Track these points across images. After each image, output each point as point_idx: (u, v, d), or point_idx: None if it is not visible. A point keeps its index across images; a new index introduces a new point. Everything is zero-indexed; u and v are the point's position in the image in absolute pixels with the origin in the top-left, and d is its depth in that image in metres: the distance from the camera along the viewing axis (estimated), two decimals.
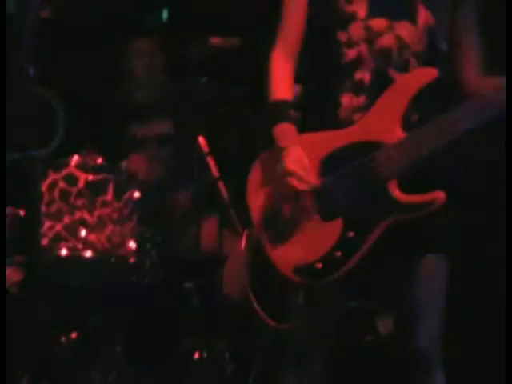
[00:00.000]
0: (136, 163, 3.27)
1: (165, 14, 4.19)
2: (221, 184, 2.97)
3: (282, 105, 2.06)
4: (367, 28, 1.98)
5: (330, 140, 2.01)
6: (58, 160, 2.89)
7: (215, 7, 3.99)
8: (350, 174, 1.97)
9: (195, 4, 4.02)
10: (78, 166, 2.80)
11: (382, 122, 1.94)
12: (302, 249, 2.01)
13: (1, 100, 2.14)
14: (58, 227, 2.75)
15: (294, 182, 1.97)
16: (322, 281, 1.99)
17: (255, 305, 2.09)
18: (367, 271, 1.98)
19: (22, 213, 2.84)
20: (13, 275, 2.73)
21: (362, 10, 1.98)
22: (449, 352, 2.04)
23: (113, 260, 2.83)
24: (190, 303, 3.07)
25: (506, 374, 1.88)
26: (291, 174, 1.97)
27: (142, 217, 2.98)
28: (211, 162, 2.99)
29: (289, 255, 2.03)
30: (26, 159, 1.62)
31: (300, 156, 1.99)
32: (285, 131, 2.03)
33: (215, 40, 3.72)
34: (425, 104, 1.93)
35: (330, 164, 2.00)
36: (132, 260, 2.89)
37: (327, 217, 1.99)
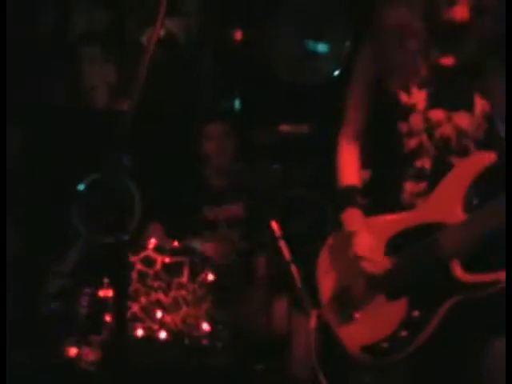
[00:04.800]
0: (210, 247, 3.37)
1: (237, 104, 4.39)
2: (293, 267, 3.03)
3: (350, 191, 2.17)
4: (426, 119, 2.07)
5: (395, 222, 2.09)
6: (136, 243, 3.01)
7: (285, 96, 4.16)
8: (414, 254, 2.02)
9: (266, 93, 4.21)
10: (156, 249, 2.92)
11: (445, 205, 2.01)
12: (369, 328, 2.06)
13: (1, 112, 2.27)
14: (135, 308, 2.85)
15: (367, 265, 2.06)
16: (389, 360, 2.02)
17: None
18: (434, 352, 1.99)
19: (100, 293, 2.96)
20: (90, 355, 2.82)
21: (421, 103, 2.07)
22: None
23: (186, 342, 2.89)
24: None
25: (506, 374, 1.83)
26: (363, 258, 2.06)
27: (215, 299, 3.04)
28: (283, 246, 3.06)
29: (356, 334, 2.09)
30: (115, 241, 1.74)
31: (369, 240, 2.08)
32: (352, 216, 2.13)
33: (285, 127, 3.87)
34: (484, 187, 1.98)
35: (395, 245, 2.07)
36: (205, 342, 2.94)
37: (392, 296, 2.04)
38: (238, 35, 4.37)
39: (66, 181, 3.56)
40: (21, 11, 4.14)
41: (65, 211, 3.54)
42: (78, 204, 3.47)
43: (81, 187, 3.49)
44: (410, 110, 2.08)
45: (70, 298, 3.05)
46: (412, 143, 2.09)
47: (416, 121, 2.08)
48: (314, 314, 2.24)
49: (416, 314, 1.98)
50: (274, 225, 3.09)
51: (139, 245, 2.96)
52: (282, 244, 3.06)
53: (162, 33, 4.10)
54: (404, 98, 2.09)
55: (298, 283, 3.01)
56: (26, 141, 3.89)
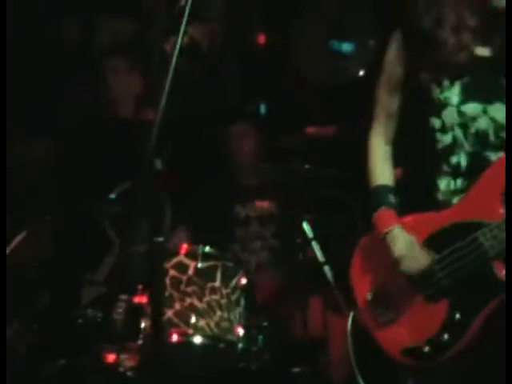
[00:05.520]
0: None
1: (263, 107, 4.40)
2: (326, 268, 3.02)
3: (381, 190, 2.13)
4: (460, 113, 2.02)
5: (432, 221, 2.05)
6: (168, 249, 3.02)
7: (310, 98, 4.16)
8: (454, 254, 1.98)
9: (291, 95, 4.21)
10: (188, 254, 2.93)
11: (484, 202, 1.97)
12: (409, 330, 2.03)
13: (1, 112, 2.28)
14: (170, 313, 2.86)
15: (406, 265, 2.02)
16: (431, 363, 1.99)
17: None
18: (478, 355, 1.96)
19: (135, 300, 2.98)
20: (128, 360, 2.85)
21: (454, 97, 2.03)
22: None
23: (221, 346, 2.89)
24: None
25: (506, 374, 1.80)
26: (401, 259, 2.02)
27: (249, 302, 3.05)
28: (316, 247, 3.06)
29: (396, 337, 2.05)
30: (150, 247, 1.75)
31: (408, 239, 2.04)
32: (385, 217, 2.10)
33: (311, 129, 3.87)
34: None
35: (433, 245, 2.03)
36: (240, 346, 2.94)
37: (432, 297, 2.01)
38: (262, 39, 4.38)
39: (97, 190, 3.59)
40: (46, 24, 4.19)
41: (97, 221, 3.57)
42: (110, 213, 3.49)
43: (112, 196, 3.52)
44: (442, 104, 2.03)
45: (106, 305, 3.07)
46: (445, 139, 2.05)
47: (449, 115, 2.03)
48: (350, 316, 2.23)
49: (457, 316, 1.95)
50: (306, 226, 3.09)
51: (171, 251, 2.97)
52: (315, 245, 3.05)
53: (186, 40, 4.12)
54: (436, 92, 2.04)
55: (332, 284, 3.00)
56: (55, 152, 3.93)
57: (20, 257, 3.11)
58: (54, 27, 4.24)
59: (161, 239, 1.70)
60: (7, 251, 3.03)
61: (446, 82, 2.03)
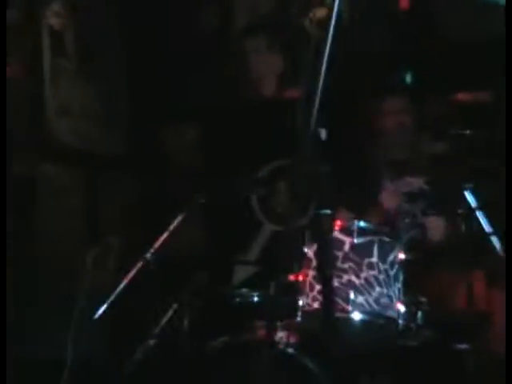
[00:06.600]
0: None
1: (408, 77, 4.25)
2: (494, 239, 2.87)
3: None
4: None
5: None
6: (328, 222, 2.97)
7: (459, 62, 3.96)
8: None
9: (439, 61, 4.03)
10: (342, 230, 2.89)
11: None
12: None
13: (1, 108, 2.29)
14: None
15: None
16: None
17: None
18: None
19: (291, 278, 2.97)
20: (289, 337, 2.87)
21: None
22: None
23: (381, 322, 2.84)
24: (461, 367, 2.95)
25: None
26: None
27: (407, 279, 2.96)
28: (481, 217, 2.92)
29: None
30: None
31: None
32: None
33: (462, 95, 3.70)
34: None
35: None
36: (400, 322, 2.86)
37: None
38: (405, 3, 4.23)
39: (245, 171, 3.63)
40: (185, 13, 4.29)
41: (245, 201, 3.61)
42: (258, 192, 3.51)
43: (260, 175, 3.54)
44: None
45: (261, 284, 3.10)
46: None
47: None
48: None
49: None
50: (468, 195, 2.95)
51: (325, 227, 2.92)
52: (480, 215, 2.91)
53: (325, 13, 4.06)
54: None
55: (497, 255, 2.85)
56: (201, 136, 4.03)
57: (177, 239, 3.21)
58: (192, 14, 4.33)
59: (328, 212, 1.67)
60: (166, 235, 3.11)
61: None
